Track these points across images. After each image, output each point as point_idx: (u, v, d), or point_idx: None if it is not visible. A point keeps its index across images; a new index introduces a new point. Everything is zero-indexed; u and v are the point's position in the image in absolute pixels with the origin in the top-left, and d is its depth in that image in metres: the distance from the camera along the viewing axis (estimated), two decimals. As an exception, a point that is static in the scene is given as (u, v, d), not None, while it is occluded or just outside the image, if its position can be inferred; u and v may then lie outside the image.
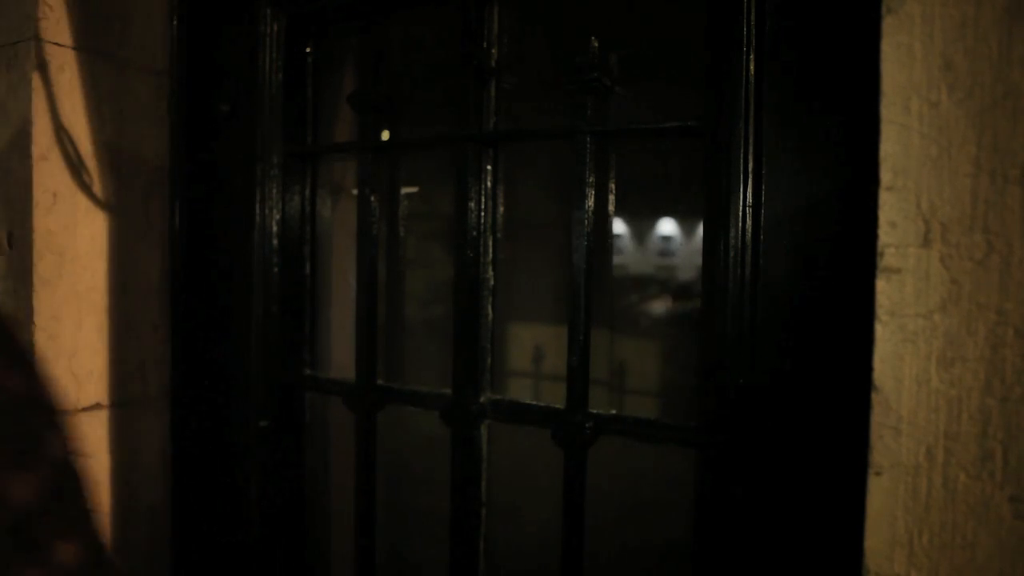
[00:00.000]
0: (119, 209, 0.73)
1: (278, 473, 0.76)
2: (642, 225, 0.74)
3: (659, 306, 0.72)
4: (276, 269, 0.76)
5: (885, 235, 0.41)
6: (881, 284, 0.41)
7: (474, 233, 0.66)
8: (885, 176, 0.42)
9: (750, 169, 0.51)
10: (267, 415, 0.75)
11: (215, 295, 0.77)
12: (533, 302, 0.77)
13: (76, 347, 0.69)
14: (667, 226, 0.71)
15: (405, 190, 0.82)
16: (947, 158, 0.38)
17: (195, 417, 0.78)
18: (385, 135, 0.72)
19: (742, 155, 0.50)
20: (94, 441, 0.71)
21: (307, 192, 0.78)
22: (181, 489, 0.79)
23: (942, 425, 0.38)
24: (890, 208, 0.42)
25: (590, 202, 0.60)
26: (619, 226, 0.72)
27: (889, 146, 0.41)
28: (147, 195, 0.77)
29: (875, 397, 0.42)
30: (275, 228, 0.75)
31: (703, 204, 0.54)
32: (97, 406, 0.71)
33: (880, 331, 0.41)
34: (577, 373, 0.60)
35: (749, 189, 0.51)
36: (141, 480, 0.76)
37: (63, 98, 0.66)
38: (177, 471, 0.79)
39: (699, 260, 0.54)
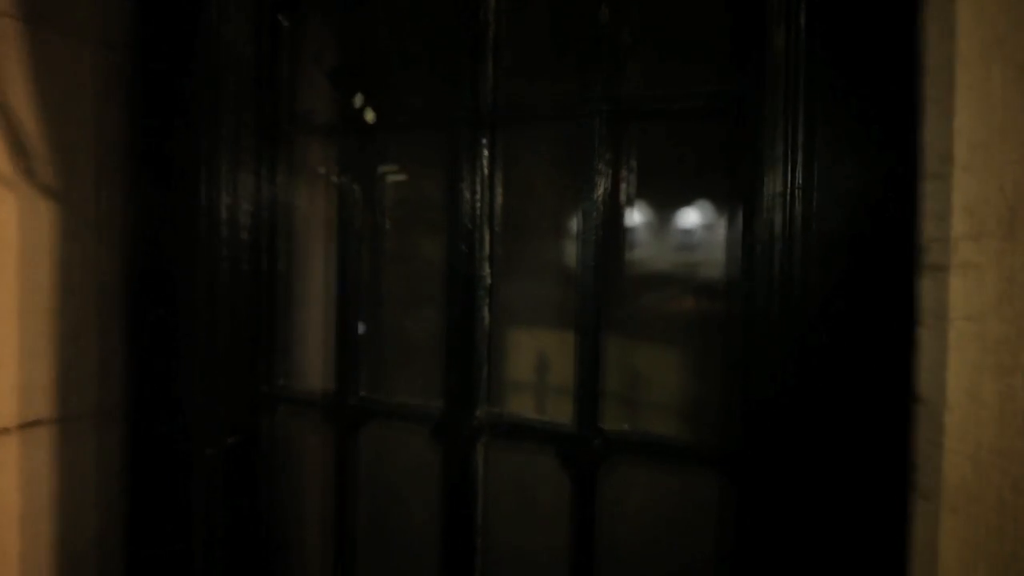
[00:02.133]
0: (67, 199, 0.73)
1: (247, 497, 0.79)
2: (661, 216, 0.71)
3: (681, 308, 0.70)
4: (245, 266, 0.78)
5: (930, 228, 0.43)
6: (925, 283, 0.43)
7: (469, 225, 0.68)
8: (930, 163, 0.43)
9: (781, 152, 0.52)
10: (234, 431, 0.78)
11: (176, 295, 0.77)
12: (536, 304, 0.77)
13: (13, 355, 0.68)
14: (690, 217, 0.69)
15: (391, 177, 0.83)
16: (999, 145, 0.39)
17: (152, 433, 0.79)
18: (369, 115, 0.74)
19: (771, 137, 0.52)
20: (35, 463, 0.71)
21: (280, 179, 0.80)
22: (136, 515, 0.80)
23: (996, 442, 0.39)
24: (935, 199, 0.43)
25: (601, 190, 0.62)
26: (634, 217, 0.70)
27: (934, 130, 0.43)
28: (99, 183, 0.77)
29: (919, 410, 0.44)
30: (244, 220, 0.78)
31: (730, 192, 0.57)
32: (37, 422, 0.71)
33: (924, 336, 0.43)
34: (586, 385, 0.62)
35: (781, 175, 0.52)
36: (90, 505, 0.77)
37: (2, 72, 0.66)
38: (131, 495, 0.80)
39: (726, 255, 0.57)
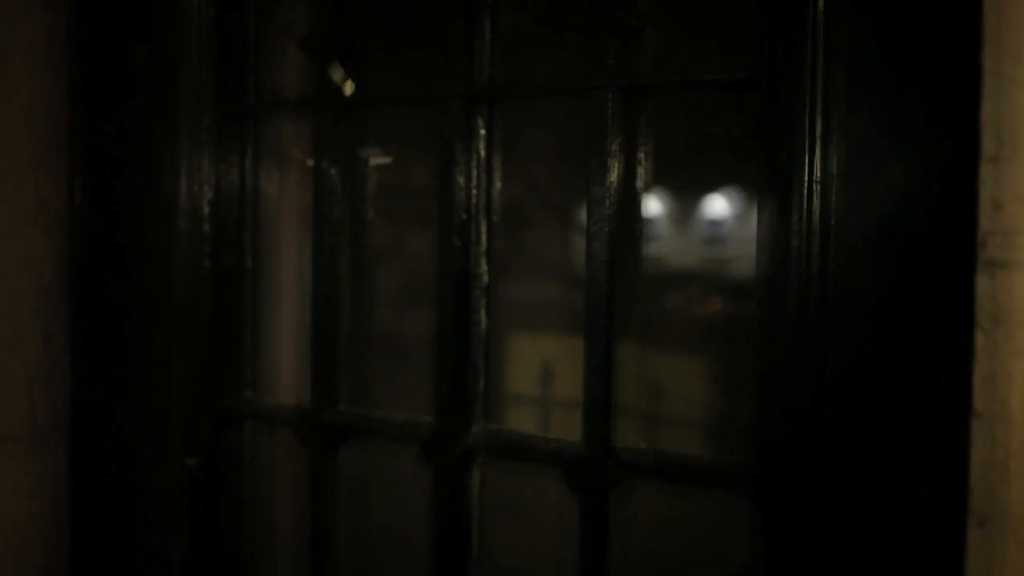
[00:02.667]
0: (-2, 185, 0.73)
1: (207, 528, 0.77)
2: (682, 206, 0.72)
3: (704, 311, 0.71)
4: (208, 262, 0.77)
5: (986, 220, 0.42)
6: (981, 282, 0.41)
7: (463, 216, 0.67)
8: (988, 144, 0.42)
9: (819, 133, 0.51)
10: (195, 451, 0.76)
11: (128, 296, 0.77)
12: (540, 305, 0.77)
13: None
14: (715, 207, 0.69)
15: (374, 160, 0.83)
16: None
17: (102, 454, 0.78)
18: (348, 88, 0.73)
19: (808, 115, 0.51)
20: (-39, 489, 0.72)
21: (247, 163, 0.80)
22: (82, 548, 0.79)
23: (1064, 462, 0.39)
24: (992, 186, 0.42)
25: (614, 176, 0.61)
26: (652, 207, 0.71)
27: (993, 107, 0.42)
28: (37, 167, 0.76)
29: (976, 427, 0.43)
30: (206, 210, 0.77)
31: (761, 179, 0.56)
32: (-38, 442, 0.71)
33: (980, 341, 0.41)
34: (597, 398, 0.61)
35: (818, 159, 0.51)
36: (26, 538, 0.75)
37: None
38: (77, 525, 0.79)
39: (756, 251, 0.56)
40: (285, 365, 0.82)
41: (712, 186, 0.70)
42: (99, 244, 0.78)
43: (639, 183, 0.68)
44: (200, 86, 0.75)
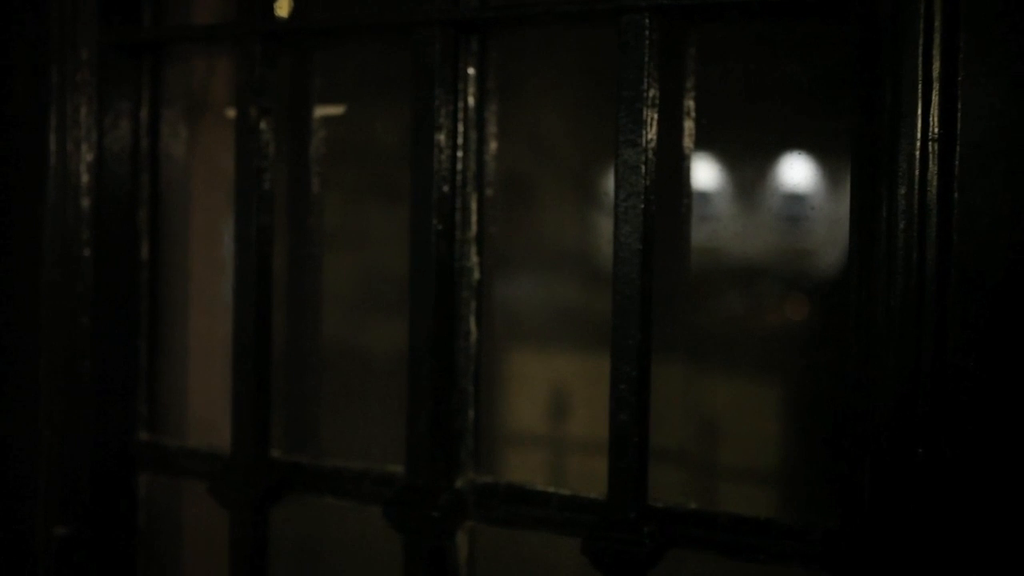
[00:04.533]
0: None
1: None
2: (746, 175, 0.70)
3: (776, 319, 0.70)
4: (88, 251, 0.76)
5: None
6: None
7: (445, 189, 0.68)
8: None
9: (936, 74, 0.51)
10: (69, 516, 0.76)
11: None
12: (549, 311, 0.77)
13: None
14: (792, 175, 0.68)
15: (323, 110, 0.82)
16: None
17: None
18: (284, 8, 0.73)
19: (923, 49, 0.51)
20: None
21: (143, 114, 0.79)
22: None
23: None
24: None
25: (652, 133, 0.61)
26: (704, 176, 0.70)
27: None
28: None
29: None
30: (85, 178, 0.76)
31: (853, 138, 0.56)
32: None
33: None
34: (627, 438, 0.61)
35: (935, 110, 0.52)
36: None
37: None
38: None
39: (845, 239, 0.57)
40: (197, 394, 0.82)
41: (787, 147, 0.69)
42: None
43: (686, 143, 0.68)
44: (78, 10, 0.76)
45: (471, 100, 0.69)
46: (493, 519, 0.68)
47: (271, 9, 0.73)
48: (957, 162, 0.51)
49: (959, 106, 0.51)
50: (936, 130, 0.52)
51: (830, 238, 0.66)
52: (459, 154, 0.69)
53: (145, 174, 0.80)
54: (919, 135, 0.52)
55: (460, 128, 0.69)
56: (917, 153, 0.52)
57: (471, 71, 0.68)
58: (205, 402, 0.83)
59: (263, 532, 0.74)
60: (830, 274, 0.66)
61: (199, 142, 0.84)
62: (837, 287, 0.62)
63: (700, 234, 0.70)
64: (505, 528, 0.67)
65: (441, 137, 0.67)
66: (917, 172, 0.52)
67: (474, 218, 0.70)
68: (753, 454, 0.70)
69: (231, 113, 0.76)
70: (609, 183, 0.63)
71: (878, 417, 0.54)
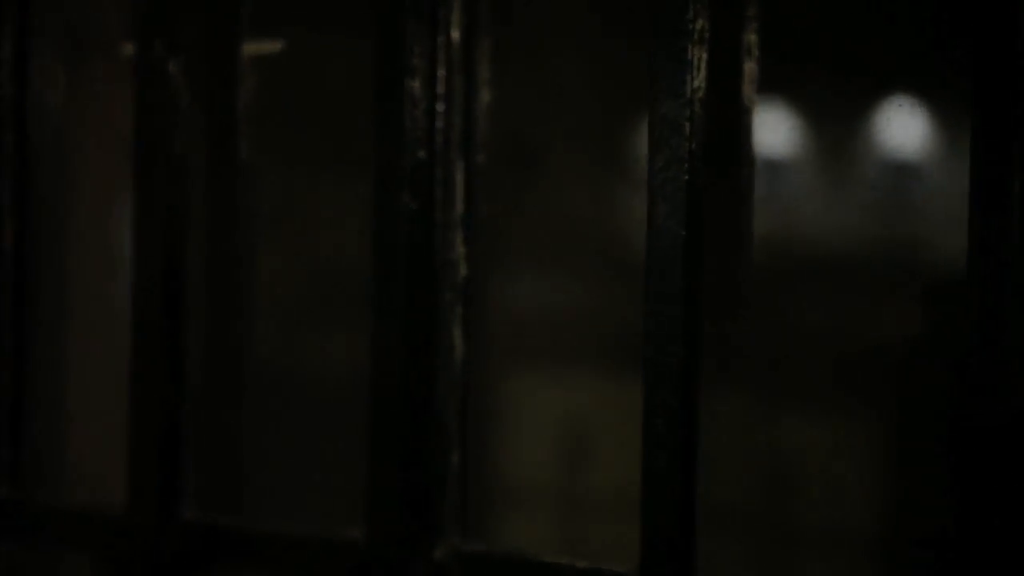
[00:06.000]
0: None
1: None
2: (829, 134, 0.65)
3: (870, 330, 0.64)
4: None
5: None
6: None
7: (421, 154, 0.64)
8: None
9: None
10: None
11: None
12: (559, 320, 0.72)
13: None
14: (894, 135, 0.62)
15: (254, 47, 0.78)
16: None
17: None
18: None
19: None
20: None
21: (6, 51, 0.74)
22: None
23: None
24: None
25: (700, 78, 0.56)
26: (771, 137, 0.65)
27: None
28: None
29: None
30: None
31: (973, 87, 0.50)
32: None
33: None
34: (666, 490, 0.57)
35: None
36: None
37: None
38: None
39: (966, 226, 0.51)
40: (81, 436, 0.76)
41: (887, 97, 0.63)
42: None
43: (747, 93, 0.62)
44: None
45: (455, 34, 0.65)
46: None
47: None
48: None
49: None
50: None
51: (944, 220, 0.60)
52: (439, 108, 0.65)
53: (8, 134, 0.74)
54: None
55: (440, 72, 0.65)
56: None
57: (455, -1, 0.65)
58: (92, 446, 0.77)
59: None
60: (944, 270, 0.61)
61: (84, 91, 0.78)
62: (953, 288, 0.57)
63: (765, 216, 0.64)
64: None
65: (415, 84, 0.64)
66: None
67: (460, 194, 0.66)
68: (837, 512, 0.64)
69: (128, 51, 0.71)
70: (642, 147, 0.59)
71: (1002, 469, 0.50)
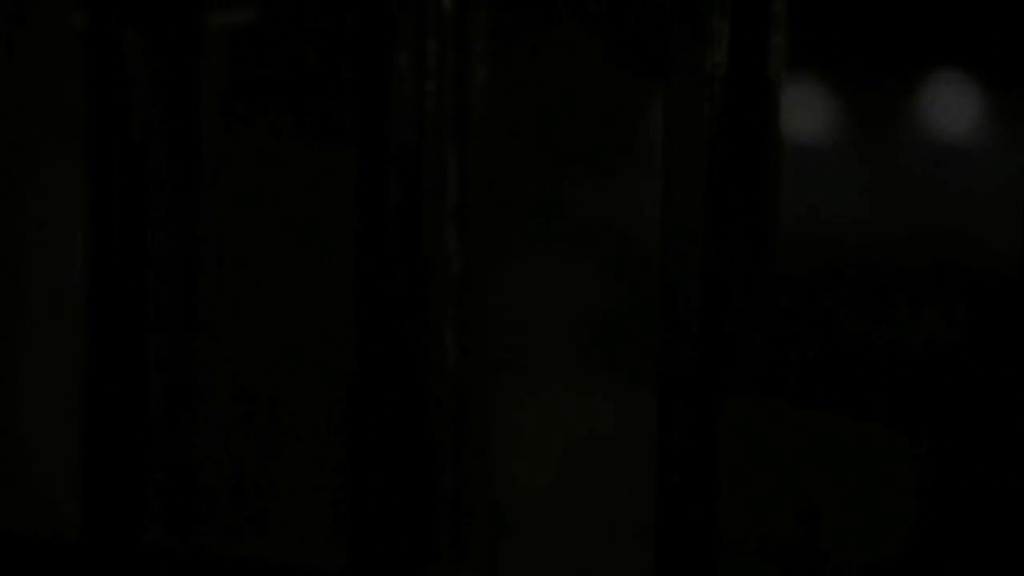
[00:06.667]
0: None
1: None
2: (868, 115, 0.61)
3: (915, 337, 0.59)
4: None
5: None
6: None
7: (410, 138, 0.64)
8: None
9: None
10: None
11: None
12: (566, 322, 0.69)
13: None
14: (944, 116, 0.60)
15: (221, 17, 0.75)
16: None
17: None
18: None
19: None
20: None
21: None
22: None
23: None
24: None
25: (723, 49, 0.57)
26: (801, 116, 0.62)
27: None
28: None
29: None
30: None
31: None
32: None
33: None
34: (682, 514, 0.57)
35: None
36: None
37: None
38: None
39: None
40: (28, 451, 0.75)
41: (936, 73, 0.59)
42: None
43: (774, 68, 0.61)
44: None
45: (447, 1, 0.65)
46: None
47: None
48: None
49: None
50: None
51: (1003, 213, 0.58)
52: (430, 85, 0.64)
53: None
54: None
55: (431, 45, 0.64)
56: None
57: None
58: (41, 462, 0.74)
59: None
60: (1002, 269, 0.58)
61: (28, 65, 0.74)
62: (1012, 290, 0.56)
63: (796, 207, 0.62)
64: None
65: (402, 58, 0.64)
66: None
67: (452, 184, 0.65)
68: (877, 542, 0.60)
69: (79, 22, 0.69)
70: (656, 129, 0.60)
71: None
